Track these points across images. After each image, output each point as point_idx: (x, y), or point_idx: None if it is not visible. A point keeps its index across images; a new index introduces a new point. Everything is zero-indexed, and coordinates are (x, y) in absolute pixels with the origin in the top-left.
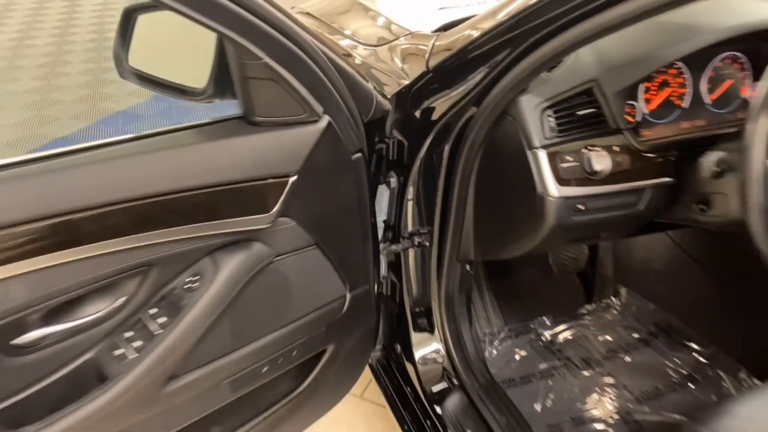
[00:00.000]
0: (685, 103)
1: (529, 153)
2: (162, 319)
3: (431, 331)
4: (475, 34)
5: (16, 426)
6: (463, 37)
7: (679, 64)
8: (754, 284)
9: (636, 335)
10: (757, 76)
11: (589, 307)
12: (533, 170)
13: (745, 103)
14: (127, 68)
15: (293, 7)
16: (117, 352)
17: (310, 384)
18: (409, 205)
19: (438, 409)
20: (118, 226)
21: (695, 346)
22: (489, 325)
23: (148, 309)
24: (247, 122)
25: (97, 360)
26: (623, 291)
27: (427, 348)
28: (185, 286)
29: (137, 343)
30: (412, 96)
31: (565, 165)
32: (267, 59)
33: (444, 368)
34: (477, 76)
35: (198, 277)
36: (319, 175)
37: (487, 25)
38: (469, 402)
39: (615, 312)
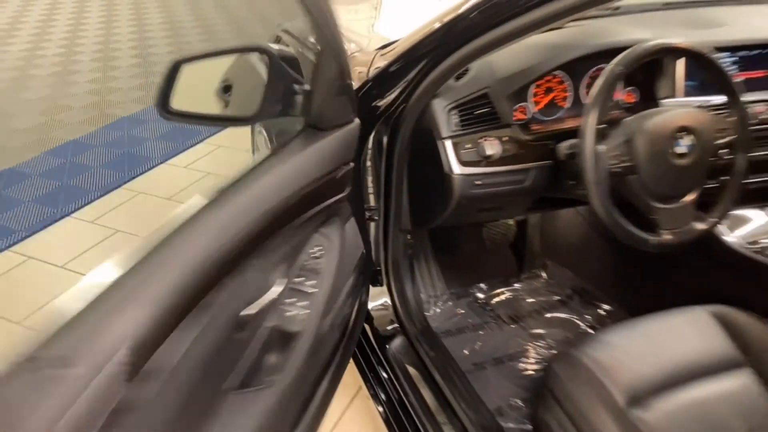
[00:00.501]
0: (568, 104)
1: (439, 142)
2: (310, 282)
3: (383, 286)
4: (399, 52)
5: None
6: (392, 53)
7: (561, 73)
8: (645, 252)
9: (556, 297)
10: (628, 83)
11: (521, 276)
12: (442, 155)
13: (617, 104)
14: (172, 111)
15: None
16: (289, 314)
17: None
18: (369, 186)
19: (386, 348)
20: (275, 224)
21: (601, 304)
22: (434, 289)
23: (294, 278)
24: (317, 129)
25: (280, 324)
26: (549, 263)
27: (380, 300)
28: (313, 256)
29: (302, 303)
30: (359, 99)
31: (465, 151)
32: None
33: (391, 317)
34: (402, 85)
35: (320, 247)
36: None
37: (406, 45)
38: (409, 344)
39: (542, 280)
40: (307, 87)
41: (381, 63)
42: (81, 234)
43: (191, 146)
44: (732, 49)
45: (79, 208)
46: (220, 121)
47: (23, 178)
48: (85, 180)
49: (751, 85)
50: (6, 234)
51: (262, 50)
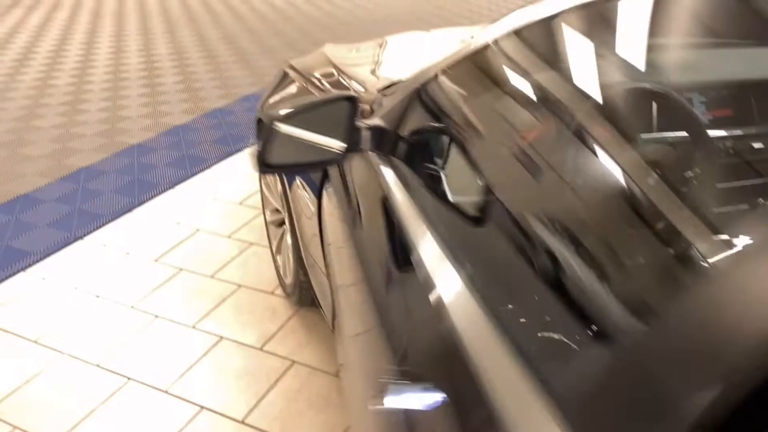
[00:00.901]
0: None
1: None
2: None
3: None
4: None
5: None
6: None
7: None
8: None
9: None
10: None
11: None
12: None
13: None
14: (271, 165)
15: (285, 61)
16: None
17: None
18: None
19: None
20: None
21: None
22: None
23: None
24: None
25: None
26: None
27: None
28: None
29: None
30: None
31: None
32: None
33: None
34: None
35: None
36: None
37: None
38: None
39: None
40: (376, 123)
41: (385, 102)
42: (93, 257)
43: (199, 172)
44: None
45: (91, 232)
46: (311, 166)
47: (37, 203)
48: (97, 205)
49: None
50: (21, 256)
51: (347, 97)
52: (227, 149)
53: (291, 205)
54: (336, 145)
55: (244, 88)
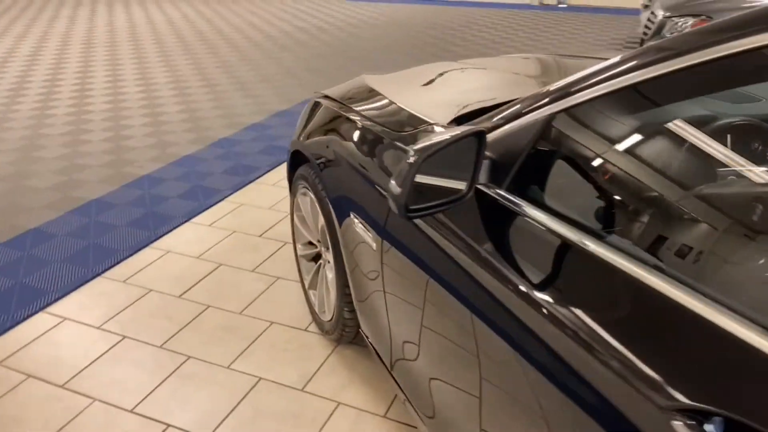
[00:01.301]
0: None
1: None
2: None
3: None
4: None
5: None
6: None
7: None
8: None
9: None
10: None
11: None
12: None
13: None
14: (413, 210)
15: (315, 92)
16: None
17: None
18: None
19: None
20: None
21: None
22: None
23: None
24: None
25: None
26: None
27: None
28: None
29: None
30: None
31: None
32: None
33: None
34: None
35: None
36: None
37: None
38: None
39: None
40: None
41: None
42: (114, 294)
43: (213, 204)
44: None
45: (109, 268)
46: (442, 206)
47: (49, 237)
48: (113, 239)
49: None
50: (38, 295)
51: (477, 132)
52: (240, 180)
53: (340, 240)
54: (461, 183)
55: (247, 116)
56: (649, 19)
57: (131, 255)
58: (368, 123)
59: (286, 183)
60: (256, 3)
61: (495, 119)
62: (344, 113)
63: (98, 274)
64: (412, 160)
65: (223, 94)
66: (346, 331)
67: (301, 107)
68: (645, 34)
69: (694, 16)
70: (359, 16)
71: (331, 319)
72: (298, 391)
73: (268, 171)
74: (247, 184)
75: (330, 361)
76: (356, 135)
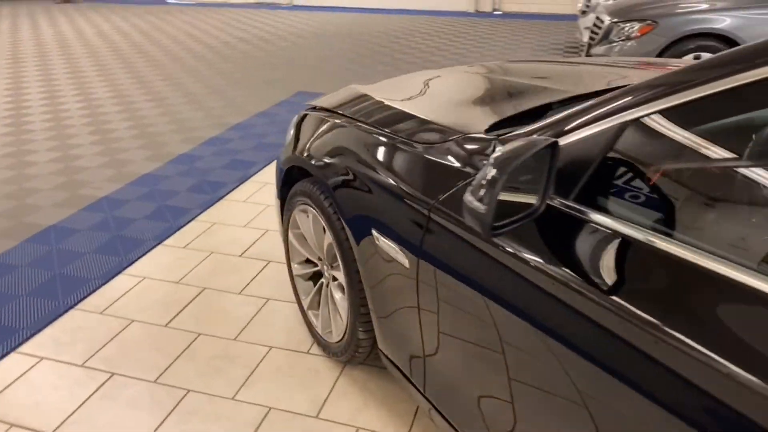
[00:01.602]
0: None
1: None
2: None
3: None
4: None
5: None
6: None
7: None
8: None
9: None
10: None
11: None
12: None
13: None
14: (497, 227)
15: (307, 105)
16: None
17: None
18: None
19: None
20: None
21: None
22: None
23: None
24: None
25: None
26: None
27: None
28: None
29: None
30: None
31: None
32: None
33: None
34: None
35: None
36: None
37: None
38: None
39: None
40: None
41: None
42: (93, 327)
43: (184, 225)
44: None
45: (82, 299)
46: (522, 220)
47: (9, 270)
48: (80, 267)
49: None
50: (7, 334)
51: (552, 144)
52: (207, 198)
53: (358, 258)
54: (531, 197)
55: (204, 130)
56: (595, 24)
57: (104, 284)
58: (390, 137)
59: (257, 198)
60: (189, 14)
61: (555, 128)
62: (356, 127)
63: (71, 307)
64: (493, 175)
65: (173, 108)
66: (359, 352)
67: (258, 119)
68: (592, 39)
69: (639, 21)
70: (301, 26)
71: (340, 341)
72: (313, 419)
73: (236, 187)
74: (216, 202)
75: (340, 383)
76: (379, 150)
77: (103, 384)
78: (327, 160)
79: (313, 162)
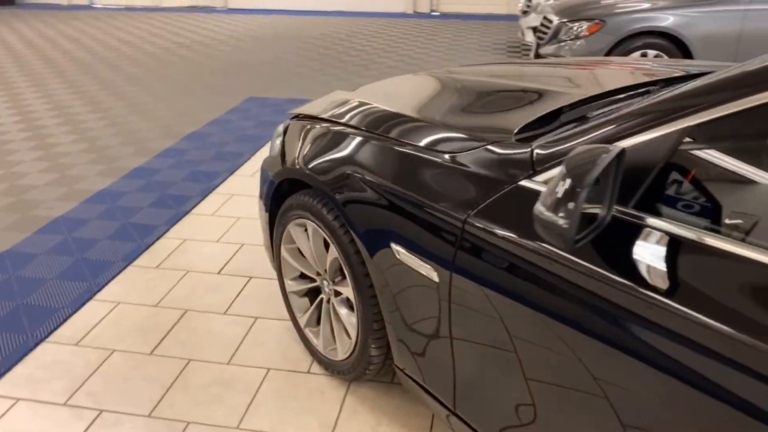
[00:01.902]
0: None
1: None
2: None
3: None
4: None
5: None
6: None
7: None
8: None
9: None
10: None
11: None
12: None
13: None
14: (578, 239)
15: (290, 114)
16: None
17: None
18: None
19: None
20: None
21: None
22: None
23: None
24: None
25: None
26: None
27: None
28: None
29: None
30: None
31: None
32: None
33: None
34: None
35: None
36: None
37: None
38: None
39: None
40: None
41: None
42: (70, 361)
43: (152, 243)
44: None
45: (53, 331)
46: (594, 231)
47: None
48: (45, 296)
49: None
50: None
51: (619, 153)
52: (173, 213)
53: (372, 273)
54: (595, 206)
55: (157, 141)
56: (542, 24)
57: (74, 312)
58: (406, 146)
59: (226, 211)
60: (120, 19)
61: (604, 131)
62: (362, 136)
63: (41, 340)
64: (572, 187)
65: (119, 119)
66: (369, 369)
67: (212, 127)
68: (540, 38)
69: (588, 20)
70: (239, 29)
71: (347, 358)
72: None
73: (201, 200)
74: (182, 217)
75: (348, 403)
76: (397, 161)
77: (92, 422)
78: (333, 172)
79: (314, 174)
